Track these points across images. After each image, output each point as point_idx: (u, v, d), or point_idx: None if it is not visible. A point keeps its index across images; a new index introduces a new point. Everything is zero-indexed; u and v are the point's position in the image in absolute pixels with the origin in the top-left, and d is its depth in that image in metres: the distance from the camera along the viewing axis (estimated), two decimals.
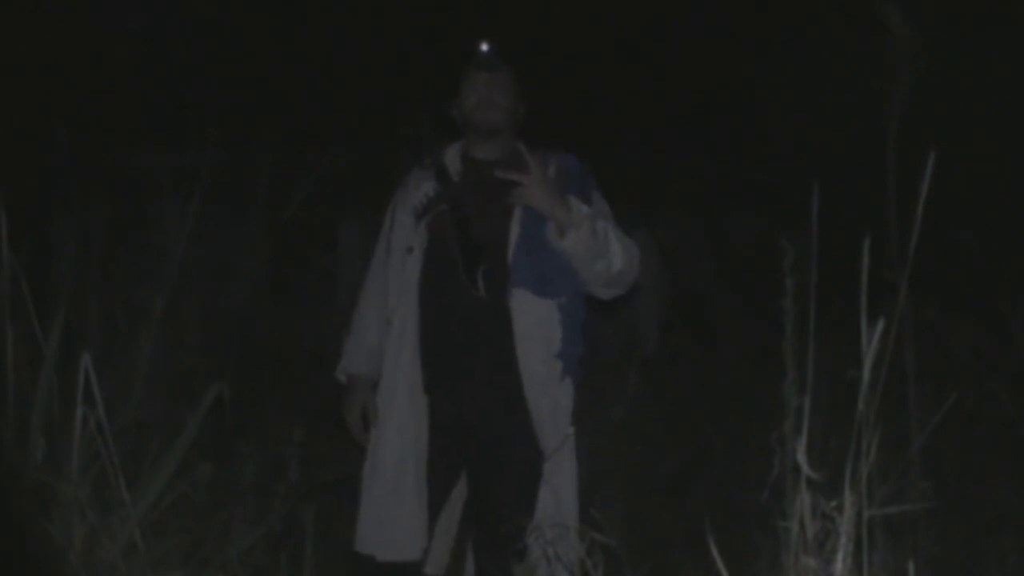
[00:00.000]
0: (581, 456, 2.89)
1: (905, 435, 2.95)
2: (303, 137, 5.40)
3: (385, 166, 3.02)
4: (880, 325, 1.83)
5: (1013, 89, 5.08)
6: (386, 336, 2.85)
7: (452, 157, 2.88)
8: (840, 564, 1.84)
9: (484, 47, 2.84)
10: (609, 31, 7.15)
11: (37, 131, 4.21)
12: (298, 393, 4.36)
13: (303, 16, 6.89)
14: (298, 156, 4.98)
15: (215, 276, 4.62)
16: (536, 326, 2.73)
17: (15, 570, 1.88)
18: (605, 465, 4.04)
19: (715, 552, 1.92)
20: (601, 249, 2.72)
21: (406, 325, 2.79)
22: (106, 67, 5.93)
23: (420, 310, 2.78)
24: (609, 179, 2.91)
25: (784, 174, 5.45)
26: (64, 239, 3.93)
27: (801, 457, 1.84)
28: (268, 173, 4.72)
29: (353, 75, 6.46)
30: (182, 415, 2.69)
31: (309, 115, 5.97)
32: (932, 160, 1.88)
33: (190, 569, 2.62)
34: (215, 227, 4.31)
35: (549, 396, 2.75)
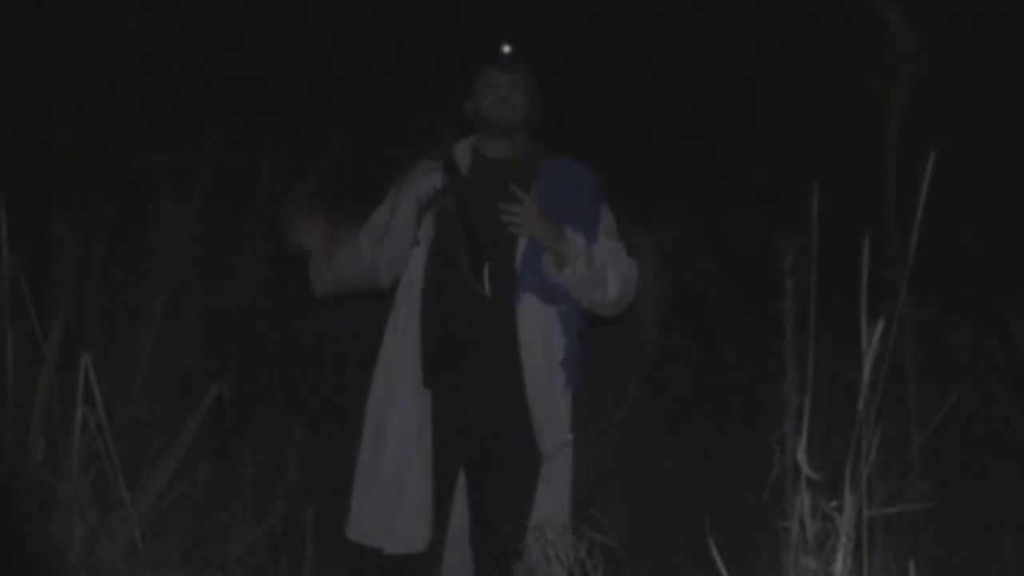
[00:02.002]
0: (581, 459, 2.89)
1: (905, 435, 2.95)
2: (303, 137, 5.40)
3: (385, 165, 3.01)
4: (880, 325, 1.83)
5: (1013, 89, 5.08)
6: (364, 254, 2.85)
7: (463, 152, 2.87)
8: (840, 564, 1.84)
9: (505, 47, 2.84)
10: (609, 31, 7.15)
11: (37, 131, 4.21)
12: (298, 393, 4.37)
13: (303, 16, 6.89)
14: (298, 156, 4.98)
15: (215, 276, 4.62)
16: (540, 332, 2.74)
17: (15, 570, 1.88)
18: (606, 466, 4.04)
19: (715, 552, 1.92)
20: (597, 280, 2.73)
21: (410, 319, 2.78)
22: (106, 67, 5.92)
23: (423, 305, 2.78)
24: (609, 179, 2.91)
25: (784, 174, 5.44)
26: (64, 239, 3.93)
27: (801, 457, 1.84)
28: (268, 173, 4.72)
29: (353, 75, 6.46)
30: (182, 415, 2.69)
31: (309, 115, 5.96)
32: (932, 160, 1.88)
33: (190, 569, 2.62)
34: (215, 227, 4.31)
35: (549, 402, 2.76)
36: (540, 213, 2.68)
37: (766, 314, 2.69)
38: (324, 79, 6.52)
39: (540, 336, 2.74)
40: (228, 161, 4.13)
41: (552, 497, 2.76)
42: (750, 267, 5.30)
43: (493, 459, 2.78)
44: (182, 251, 3.51)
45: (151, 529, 2.56)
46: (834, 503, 1.84)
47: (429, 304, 2.78)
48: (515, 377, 2.73)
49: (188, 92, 5.79)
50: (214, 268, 4.61)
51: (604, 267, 2.74)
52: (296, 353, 4.75)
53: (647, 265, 5.46)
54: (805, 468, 1.83)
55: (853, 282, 1.89)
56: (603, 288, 2.75)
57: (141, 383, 3.20)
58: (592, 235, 2.77)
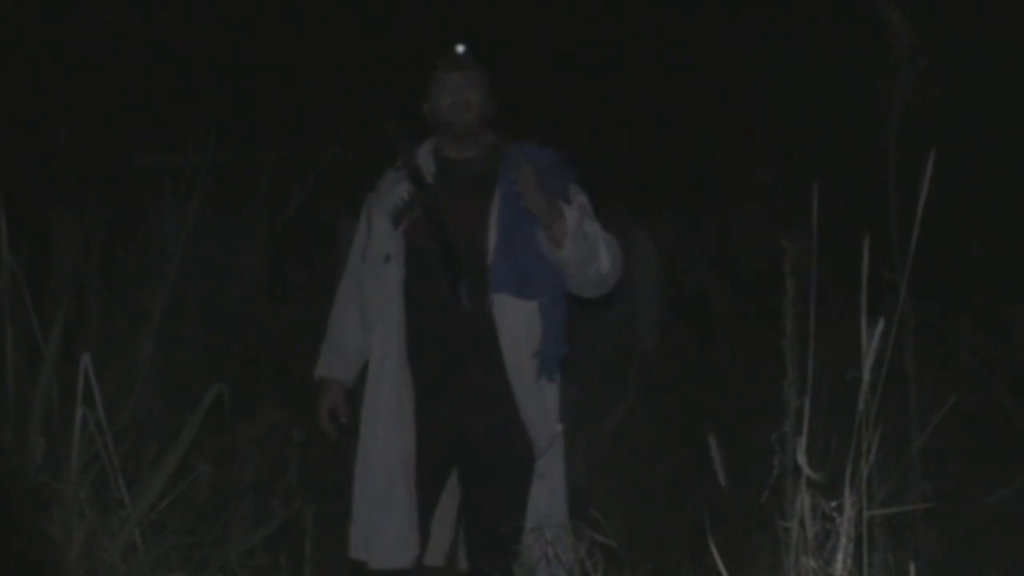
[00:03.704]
0: (579, 456, 2.88)
1: (905, 435, 2.95)
2: (303, 137, 5.40)
3: (385, 166, 3.01)
4: (880, 325, 1.83)
5: (1013, 88, 5.08)
6: (363, 341, 2.87)
7: (425, 157, 2.85)
8: (840, 564, 1.84)
9: (458, 47, 2.82)
10: (608, 31, 7.15)
11: (37, 131, 4.21)
12: (298, 393, 4.36)
13: (303, 16, 6.89)
14: (298, 156, 4.98)
15: (215, 276, 4.62)
16: (521, 329, 2.72)
17: (15, 570, 1.88)
18: (605, 465, 4.04)
19: (715, 552, 1.92)
20: (592, 253, 2.71)
21: (389, 333, 2.78)
22: (106, 67, 5.93)
23: (405, 319, 2.77)
24: (609, 179, 2.90)
25: (784, 174, 5.44)
26: (64, 239, 3.93)
27: (801, 457, 1.84)
28: (268, 173, 4.72)
29: (354, 75, 6.46)
30: (182, 415, 2.69)
31: (309, 115, 5.97)
32: (932, 160, 1.88)
33: (190, 569, 2.62)
34: (215, 227, 4.31)
35: (536, 394, 2.75)
36: (537, 186, 2.65)
37: (766, 314, 2.68)
38: (325, 79, 6.52)
39: (521, 333, 2.73)
40: (228, 161, 4.13)
41: (548, 494, 2.75)
42: (750, 267, 5.30)
43: (486, 467, 2.78)
44: (182, 251, 3.51)
45: (151, 529, 2.56)
46: (834, 503, 1.85)
47: (409, 318, 2.77)
48: (501, 380, 2.72)
49: (188, 92, 5.79)
50: (214, 268, 4.60)
51: (596, 238, 2.72)
52: (296, 353, 4.74)
53: (647, 265, 5.48)
54: (805, 468, 1.83)
55: (853, 282, 1.90)
56: (598, 260, 2.72)
57: (141, 383, 3.20)
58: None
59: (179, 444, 2.57)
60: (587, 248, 2.69)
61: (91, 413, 2.42)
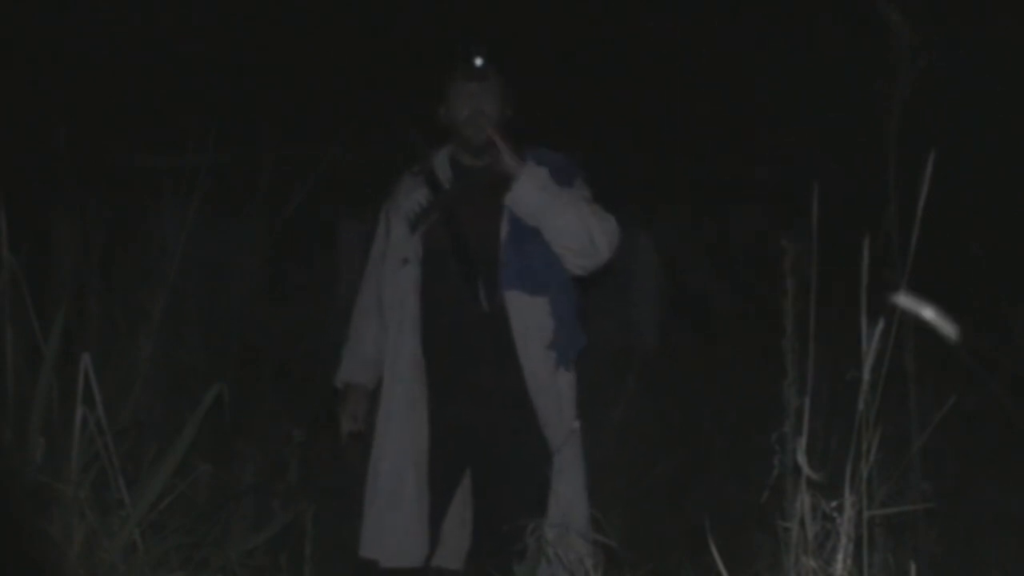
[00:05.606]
0: (586, 455, 2.89)
1: (905, 435, 2.95)
2: (303, 137, 5.40)
3: (385, 166, 3.02)
4: (880, 325, 1.83)
5: (1013, 88, 5.08)
6: (383, 345, 2.87)
7: (441, 163, 2.88)
8: (840, 564, 1.84)
9: (478, 60, 2.82)
10: (610, 31, 7.15)
11: (37, 131, 4.21)
12: (298, 393, 4.36)
13: (303, 16, 6.89)
14: (298, 156, 4.98)
15: (215, 276, 4.62)
16: (532, 323, 2.75)
17: (15, 570, 1.88)
18: (605, 465, 4.04)
19: (715, 552, 1.92)
20: (558, 208, 2.71)
21: (404, 334, 2.80)
22: (106, 67, 5.92)
23: (420, 320, 2.79)
24: (609, 179, 2.91)
25: (785, 173, 5.44)
26: (64, 239, 3.93)
27: (801, 457, 1.84)
28: (268, 173, 4.72)
29: (354, 75, 6.46)
30: (182, 415, 2.69)
31: (309, 115, 5.96)
32: (932, 160, 1.88)
33: (190, 569, 2.62)
34: (215, 227, 4.31)
35: (551, 390, 2.76)
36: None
37: (766, 314, 2.69)
38: (324, 79, 6.52)
39: (532, 326, 2.74)
40: (228, 161, 4.13)
41: (566, 499, 2.75)
42: (750, 267, 5.30)
43: (501, 467, 2.79)
44: (182, 251, 3.51)
45: (151, 529, 2.56)
46: (834, 503, 1.85)
47: (426, 321, 2.79)
48: (516, 379, 2.74)
49: (188, 92, 5.79)
50: (214, 268, 4.60)
51: (569, 199, 2.73)
52: (296, 353, 4.74)
53: (647, 265, 5.48)
54: (805, 468, 1.83)
55: (853, 282, 1.89)
56: (564, 216, 2.71)
57: (141, 383, 3.20)
58: None
59: (179, 444, 2.57)
60: (548, 199, 2.70)
61: (91, 413, 2.42)
